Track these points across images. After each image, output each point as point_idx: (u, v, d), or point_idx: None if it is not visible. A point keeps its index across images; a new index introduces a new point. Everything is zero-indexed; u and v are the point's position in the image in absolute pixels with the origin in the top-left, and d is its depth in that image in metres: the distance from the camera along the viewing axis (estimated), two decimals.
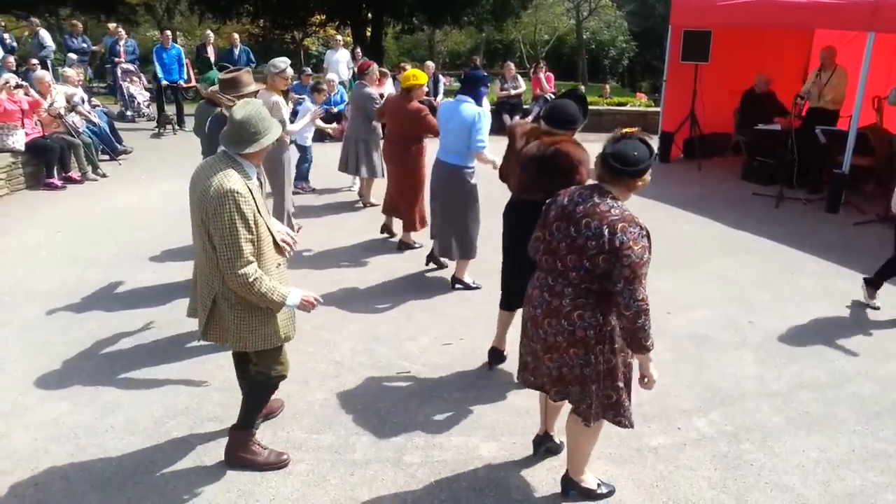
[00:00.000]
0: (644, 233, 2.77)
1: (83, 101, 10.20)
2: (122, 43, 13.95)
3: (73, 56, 13.25)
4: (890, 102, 7.66)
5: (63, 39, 13.90)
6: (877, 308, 5.35)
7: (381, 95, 7.81)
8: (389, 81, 10.78)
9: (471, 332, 4.88)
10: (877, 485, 3.38)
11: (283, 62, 5.93)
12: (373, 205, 7.92)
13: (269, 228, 3.09)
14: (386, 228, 6.89)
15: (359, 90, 7.59)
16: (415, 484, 3.34)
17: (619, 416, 2.97)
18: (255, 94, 4.40)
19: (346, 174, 8.32)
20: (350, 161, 7.68)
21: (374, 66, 7.91)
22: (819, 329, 5.03)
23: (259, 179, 3.32)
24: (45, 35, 13.79)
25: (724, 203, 8.19)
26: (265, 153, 3.13)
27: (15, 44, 14.18)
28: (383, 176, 7.34)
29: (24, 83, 8.97)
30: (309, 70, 12.43)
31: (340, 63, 13.74)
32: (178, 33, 14.19)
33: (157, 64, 12.67)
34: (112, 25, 13.67)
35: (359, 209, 8.03)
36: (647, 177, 2.94)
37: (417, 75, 6.12)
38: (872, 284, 5.40)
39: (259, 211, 3.00)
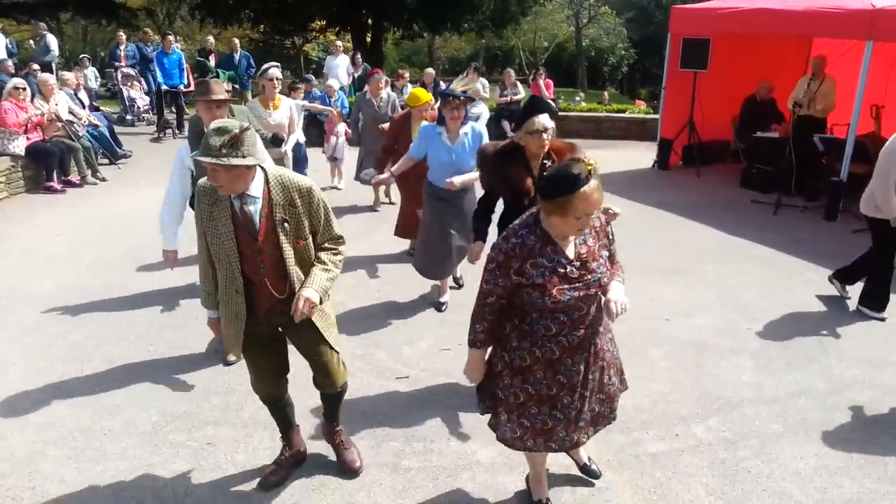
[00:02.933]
0: (500, 247, 2.64)
1: (84, 106, 10.24)
2: (122, 47, 13.99)
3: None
4: None
5: (139, 47, 13.97)
6: (848, 297, 5.59)
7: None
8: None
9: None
10: (874, 492, 3.38)
11: (267, 65, 6.05)
12: (392, 203, 7.96)
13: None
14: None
15: (363, 98, 7.67)
16: (413, 489, 3.34)
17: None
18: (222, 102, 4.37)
19: (334, 176, 8.36)
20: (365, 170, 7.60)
21: (375, 76, 7.88)
22: (817, 336, 5.03)
23: None
24: (51, 39, 13.83)
25: (722, 210, 8.20)
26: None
27: (14, 49, 14.19)
28: None
29: (24, 88, 8.97)
30: (312, 78, 12.46)
31: (340, 68, 13.78)
32: (177, 37, 14.14)
33: (157, 68, 12.70)
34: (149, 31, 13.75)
35: (355, 212, 8.04)
36: (555, 205, 2.51)
37: (420, 95, 5.89)
38: (845, 279, 5.60)
39: None
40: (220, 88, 4.33)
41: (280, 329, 3.16)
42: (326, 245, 3.05)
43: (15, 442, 3.63)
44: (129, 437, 3.70)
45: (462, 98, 4.73)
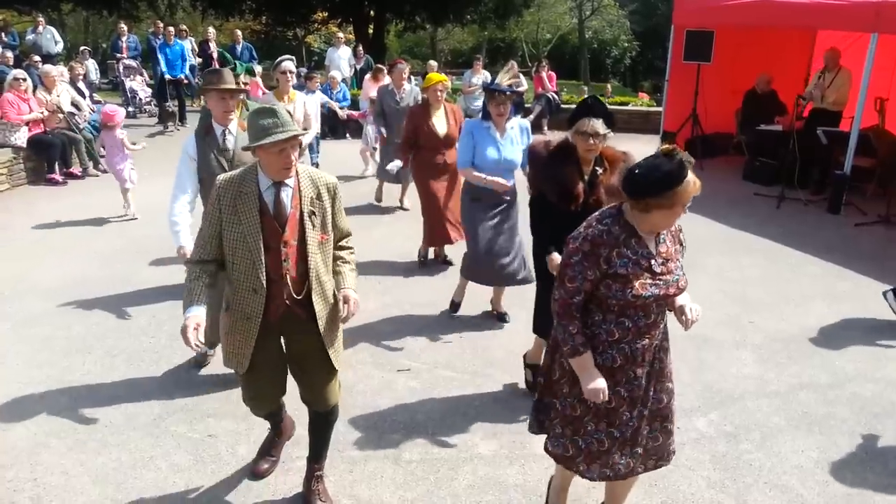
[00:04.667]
0: (585, 235, 2.48)
1: (85, 97, 10.24)
2: (124, 39, 13.97)
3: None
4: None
5: (149, 39, 13.90)
6: None
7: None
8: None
9: (470, 330, 4.88)
10: (876, 485, 3.38)
11: (281, 58, 6.04)
12: (405, 209, 7.86)
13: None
14: (438, 255, 6.38)
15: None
16: (414, 481, 3.35)
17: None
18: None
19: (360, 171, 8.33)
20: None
21: (398, 66, 7.72)
22: (819, 329, 5.02)
23: None
24: (54, 31, 13.81)
25: (725, 203, 8.18)
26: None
27: (15, 41, 14.18)
28: None
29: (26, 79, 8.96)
30: (315, 74, 12.46)
31: (342, 60, 13.74)
32: (184, 30, 14.06)
33: (160, 59, 12.66)
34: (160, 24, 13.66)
35: (362, 206, 8.03)
36: (663, 199, 2.40)
37: (433, 76, 5.84)
38: None
39: None
40: (232, 78, 4.20)
41: (282, 338, 2.98)
42: (342, 244, 3.01)
43: (17, 433, 3.64)
44: (131, 428, 3.70)
45: (508, 93, 4.55)
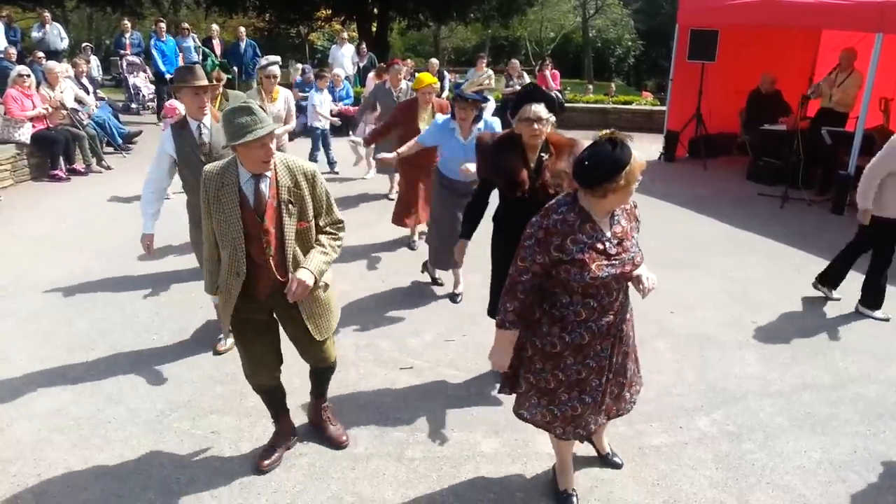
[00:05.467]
0: (540, 223, 2.65)
1: (88, 92, 10.24)
2: (127, 36, 13.97)
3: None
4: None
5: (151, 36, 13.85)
6: (837, 299, 5.43)
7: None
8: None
9: (473, 328, 4.88)
10: (879, 487, 3.37)
11: (267, 61, 6.20)
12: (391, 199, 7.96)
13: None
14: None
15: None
16: (416, 479, 3.35)
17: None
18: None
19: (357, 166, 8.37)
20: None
21: (395, 66, 7.81)
22: (823, 330, 5.01)
23: None
24: (60, 28, 13.82)
25: (729, 203, 8.17)
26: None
27: (17, 37, 14.19)
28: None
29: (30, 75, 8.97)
30: (326, 73, 12.49)
31: (345, 58, 13.74)
32: (186, 28, 14.06)
33: (157, 56, 12.63)
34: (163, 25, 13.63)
35: (364, 203, 8.03)
36: (615, 183, 2.51)
37: (424, 78, 5.89)
38: (827, 282, 5.47)
39: None
40: (204, 74, 4.27)
41: (274, 314, 3.21)
42: (328, 229, 3.13)
43: (20, 429, 3.65)
44: (134, 425, 3.71)
45: (470, 100, 4.66)
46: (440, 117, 5.10)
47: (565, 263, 2.61)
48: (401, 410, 3.90)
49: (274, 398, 3.42)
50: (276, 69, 6.28)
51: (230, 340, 4.43)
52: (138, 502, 3.15)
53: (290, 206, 2.93)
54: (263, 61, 6.36)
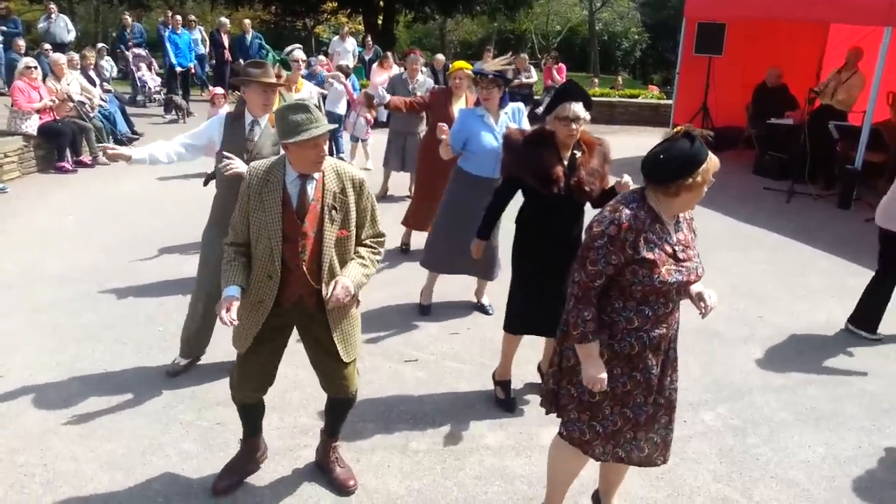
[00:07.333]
0: (612, 219, 2.44)
1: (95, 84, 10.27)
2: (128, 30, 13.96)
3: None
4: None
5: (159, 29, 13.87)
6: (878, 339, 4.80)
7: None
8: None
9: (478, 321, 4.89)
10: (883, 481, 3.37)
11: (291, 47, 6.13)
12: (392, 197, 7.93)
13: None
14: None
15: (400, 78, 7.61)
16: (421, 471, 3.36)
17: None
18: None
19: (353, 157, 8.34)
20: (395, 157, 7.51)
21: (411, 56, 7.79)
22: (828, 325, 5.00)
23: None
24: (67, 20, 13.85)
25: (735, 197, 8.14)
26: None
27: (19, 29, 14.22)
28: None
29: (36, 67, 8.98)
30: (314, 60, 12.47)
31: (348, 52, 13.73)
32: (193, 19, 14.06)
33: (169, 48, 12.65)
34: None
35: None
36: (691, 180, 2.42)
37: (458, 63, 5.78)
38: (863, 325, 4.81)
39: None
40: (272, 72, 4.12)
41: (296, 327, 3.04)
42: (368, 242, 3.03)
43: (27, 420, 3.67)
44: (140, 416, 3.73)
45: (490, 77, 4.43)
46: (462, 113, 4.79)
47: (634, 263, 2.41)
48: (405, 403, 3.91)
49: (252, 414, 3.23)
50: (300, 53, 6.19)
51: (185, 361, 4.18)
52: (144, 493, 3.16)
53: (333, 211, 2.82)
54: (286, 50, 6.31)
